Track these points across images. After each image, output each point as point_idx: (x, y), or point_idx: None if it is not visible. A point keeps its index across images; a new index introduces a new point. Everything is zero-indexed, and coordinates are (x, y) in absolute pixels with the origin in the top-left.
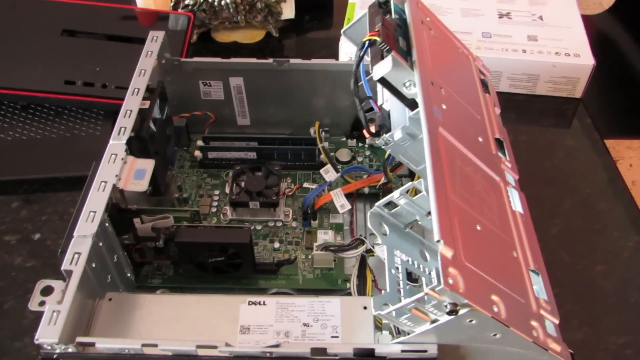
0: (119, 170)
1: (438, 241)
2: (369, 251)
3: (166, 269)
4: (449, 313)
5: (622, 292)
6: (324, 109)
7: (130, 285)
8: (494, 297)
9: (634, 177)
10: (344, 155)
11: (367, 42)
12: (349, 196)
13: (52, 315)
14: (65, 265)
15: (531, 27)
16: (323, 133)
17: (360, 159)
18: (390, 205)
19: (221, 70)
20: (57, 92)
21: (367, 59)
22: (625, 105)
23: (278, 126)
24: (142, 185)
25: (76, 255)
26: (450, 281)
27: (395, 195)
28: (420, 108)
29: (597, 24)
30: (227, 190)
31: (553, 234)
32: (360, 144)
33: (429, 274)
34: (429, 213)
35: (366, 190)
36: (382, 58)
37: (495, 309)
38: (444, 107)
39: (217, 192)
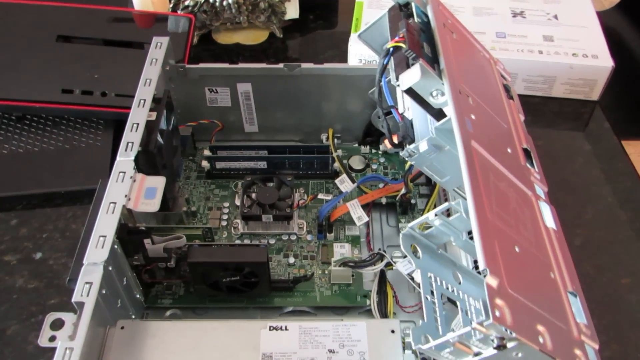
0: (129, 189)
1: (484, 270)
2: (388, 264)
3: (176, 288)
4: (497, 348)
5: None
6: (335, 114)
7: (140, 306)
8: (539, 327)
9: None
10: (357, 162)
11: (391, 50)
12: (364, 206)
13: (65, 352)
14: (76, 297)
15: (546, 27)
16: (335, 140)
17: (374, 167)
18: (423, 225)
19: (228, 76)
20: (54, 101)
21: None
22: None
23: (287, 132)
24: (154, 205)
25: (87, 286)
26: (498, 314)
27: (430, 216)
28: (453, 121)
29: (604, 21)
30: (237, 202)
31: (576, 244)
32: (373, 151)
33: (464, 297)
34: (467, 233)
35: (383, 200)
36: (408, 66)
37: (541, 340)
38: (473, 117)
39: (226, 204)
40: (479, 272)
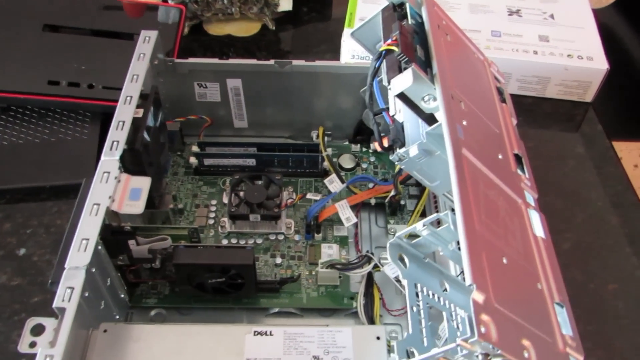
0: (113, 190)
1: (470, 285)
2: (375, 266)
3: (162, 287)
4: None
5: (636, 312)
6: (325, 111)
7: (124, 306)
8: (525, 342)
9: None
10: (347, 161)
11: (383, 53)
12: (353, 207)
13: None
14: (57, 303)
15: (542, 26)
16: (326, 138)
17: (364, 166)
18: (411, 235)
19: (218, 72)
20: (39, 93)
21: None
22: (633, 107)
23: (277, 129)
24: (139, 206)
25: (69, 291)
26: (483, 330)
27: (418, 226)
28: (444, 130)
29: (600, 19)
30: (225, 200)
31: (565, 249)
32: (364, 149)
33: (450, 307)
34: (456, 243)
35: (372, 201)
36: (400, 70)
37: (526, 355)
38: (464, 123)
39: (214, 201)
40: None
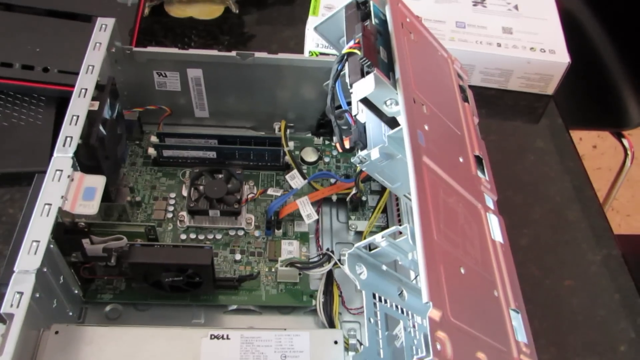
0: (65, 190)
1: (427, 303)
2: (335, 264)
3: (118, 283)
4: None
5: (589, 309)
6: (288, 102)
7: (78, 301)
8: (479, 354)
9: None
10: (309, 154)
11: (345, 56)
12: (314, 203)
13: None
14: (5, 308)
15: (506, 18)
16: (288, 131)
17: (327, 160)
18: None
19: (178, 61)
20: None
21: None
22: (594, 97)
23: (239, 119)
24: (93, 207)
25: (17, 295)
26: (439, 347)
27: (377, 238)
28: (405, 138)
29: (564, 5)
30: (184, 192)
31: (522, 244)
32: (327, 142)
33: (408, 314)
34: (413, 254)
35: (334, 197)
36: (363, 74)
37: None
38: (426, 127)
39: (173, 194)
40: None
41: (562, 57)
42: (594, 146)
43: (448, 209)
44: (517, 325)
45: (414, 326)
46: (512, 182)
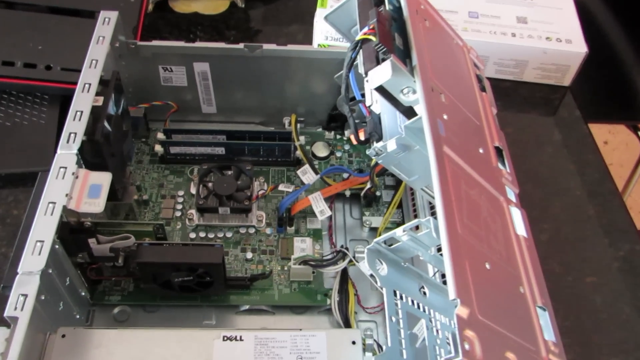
0: (70, 187)
1: (454, 300)
2: (350, 261)
3: (126, 284)
4: None
5: (613, 307)
6: (298, 96)
7: (85, 304)
8: (509, 355)
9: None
10: (320, 149)
11: (360, 42)
12: (327, 198)
13: None
14: (9, 312)
15: (521, 7)
16: (299, 125)
17: (339, 154)
18: (390, 239)
19: (184, 55)
20: None
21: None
22: (609, 89)
23: (247, 114)
24: (98, 205)
25: (22, 298)
26: (467, 347)
27: (397, 232)
28: (425, 127)
29: None
30: (193, 190)
31: (542, 240)
32: (338, 137)
33: (430, 313)
34: (434, 248)
35: (347, 193)
36: (378, 61)
37: None
38: (445, 117)
39: (181, 192)
40: (445, 282)
41: (579, 47)
42: (605, 142)
43: (470, 202)
44: (544, 324)
45: (435, 325)
46: (530, 175)
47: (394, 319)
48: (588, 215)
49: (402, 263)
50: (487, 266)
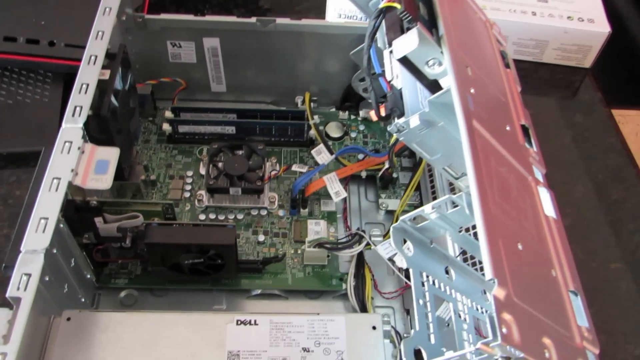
0: (76, 162)
1: (491, 280)
2: (367, 245)
3: (133, 266)
4: None
5: (639, 294)
6: (311, 75)
7: (91, 287)
8: (545, 340)
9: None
10: (334, 130)
11: (383, 10)
12: (342, 180)
13: None
14: (11, 292)
15: None
16: (312, 105)
17: (353, 135)
18: (417, 218)
19: (194, 30)
20: None
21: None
22: (632, 73)
23: (258, 93)
24: (106, 181)
25: (25, 277)
26: (505, 330)
27: (426, 209)
28: (455, 99)
29: None
30: (202, 171)
31: (565, 225)
32: (352, 117)
33: (456, 296)
34: (466, 229)
35: (363, 174)
36: (403, 31)
37: (547, 355)
38: (472, 91)
39: (190, 172)
40: (465, 262)
41: (601, 27)
42: (637, 134)
43: (501, 179)
44: (577, 309)
45: (462, 310)
46: (551, 159)
47: (421, 302)
48: (611, 200)
49: (428, 243)
50: (520, 247)
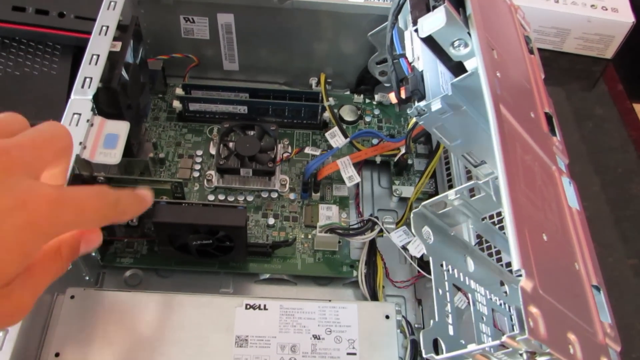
0: (84, 135)
1: (518, 271)
2: (379, 231)
3: (139, 245)
4: None
5: None
6: (326, 56)
7: (95, 265)
8: (570, 336)
9: None
10: (348, 113)
11: None
12: (355, 165)
13: None
14: None
15: None
16: (327, 87)
17: (367, 119)
18: (438, 204)
19: (208, 4)
20: (2, 20)
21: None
22: None
23: (271, 73)
24: (115, 155)
25: None
26: (531, 324)
27: (450, 195)
28: (483, 82)
29: None
30: (212, 150)
31: None
32: (367, 101)
33: (475, 288)
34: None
35: (377, 159)
36: (429, 9)
37: (572, 351)
38: (498, 75)
39: (199, 152)
40: (481, 251)
41: (625, 16)
42: None
43: (526, 167)
44: (600, 304)
45: (481, 301)
46: (569, 150)
47: (440, 291)
48: (630, 195)
49: (449, 231)
50: (545, 237)
